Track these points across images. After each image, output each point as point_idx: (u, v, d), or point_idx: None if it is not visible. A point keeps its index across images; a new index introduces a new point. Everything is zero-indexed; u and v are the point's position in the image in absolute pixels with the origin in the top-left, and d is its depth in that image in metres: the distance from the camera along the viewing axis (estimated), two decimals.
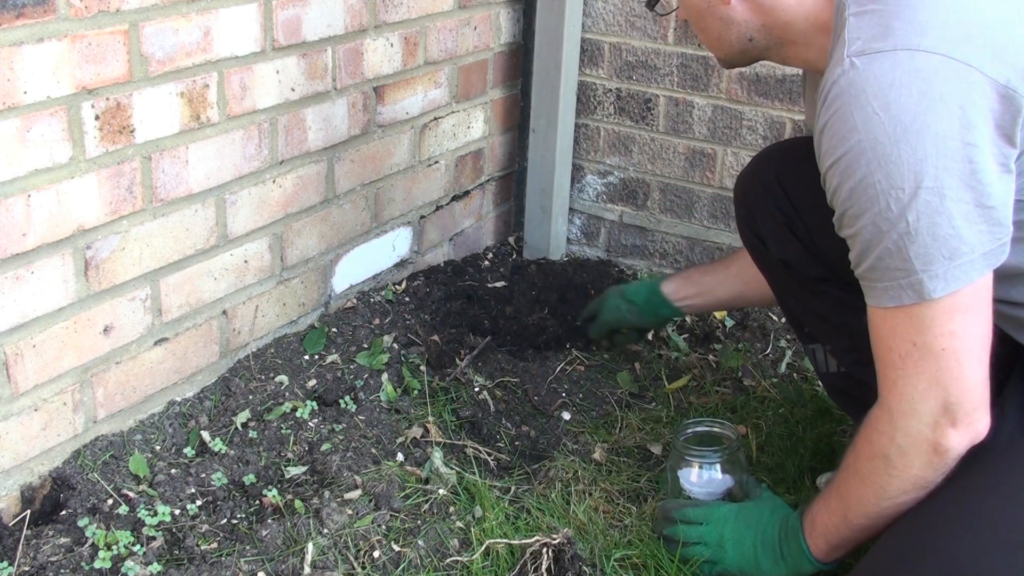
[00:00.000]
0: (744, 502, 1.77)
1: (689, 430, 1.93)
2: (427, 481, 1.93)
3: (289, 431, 2.02)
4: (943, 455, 1.41)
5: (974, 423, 1.40)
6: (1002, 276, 1.40)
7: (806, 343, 1.90)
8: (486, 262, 2.89)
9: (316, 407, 2.10)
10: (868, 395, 1.56)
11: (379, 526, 1.78)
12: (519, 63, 2.91)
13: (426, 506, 1.85)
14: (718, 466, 1.85)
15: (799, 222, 1.74)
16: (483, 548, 1.74)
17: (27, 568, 1.63)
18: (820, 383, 2.20)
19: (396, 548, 1.74)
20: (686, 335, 2.56)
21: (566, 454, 2.07)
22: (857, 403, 1.82)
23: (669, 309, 2.24)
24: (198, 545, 1.72)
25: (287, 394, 2.13)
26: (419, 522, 1.81)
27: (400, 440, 2.05)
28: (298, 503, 1.82)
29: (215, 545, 1.73)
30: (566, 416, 2.21)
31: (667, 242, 2.91)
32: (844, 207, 1.38)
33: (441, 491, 1.89)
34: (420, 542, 1.75)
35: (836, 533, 1.56)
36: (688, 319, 2.61)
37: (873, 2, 1.37)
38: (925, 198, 1.30)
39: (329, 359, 2.26)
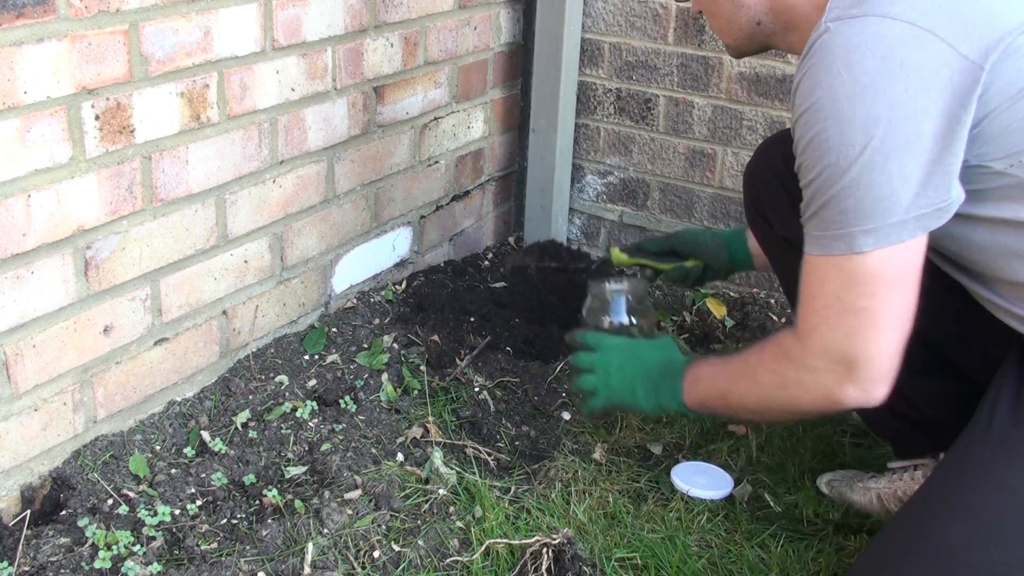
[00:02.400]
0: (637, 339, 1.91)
1: (606, 281, 2.09)
2: (427, 481, 1.93)
3: (289, 431, 2.02)
4: (833, 404, 1.52)
5: (872, 391, 1.48)
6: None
7: None
8: (486, 262, 2.89)
9: (316, 407, 2.10)
10: None
11: (379, 526, 1.78)
12: (519, 63, 2.91)
13: (426, 506, 1.85)
14: (622, 301, 1.98)
15: None
16: (483, 548, 1.74)
17: (27, 568, 1.63)
18: None
19: (396, 548, 1.74)
20: (686, 335, 2.56)
21: (566, 454, 2.07)
22: None
23: (745, 254, 2.22)
24: (198, 545, 1.72)
25: (287, 394, 2.13)
26: (419, 522, 1.81)
27: (400, 440, 2.05)
28: (298, 503, 1.82)
29: (215, 545, 1.73)
30: (566, 416, 2.21)
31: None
32: (802, 158, 1.45)
33: (441, 491, 1.89)
34: (420, 542, 1.75)
35: (711, 400, 1.72)
36: (688, 319, 2.62)
37: None
38: (870, 156, 1.36)
39: (329, 359, 2.26)
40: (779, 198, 1.82)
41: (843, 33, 1.38)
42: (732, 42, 1.71)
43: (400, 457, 2.00)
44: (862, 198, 1.38)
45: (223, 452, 1.95)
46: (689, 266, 2.24)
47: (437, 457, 1.98)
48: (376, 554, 1.71)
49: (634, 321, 2.00)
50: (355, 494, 1.85)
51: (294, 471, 1.93)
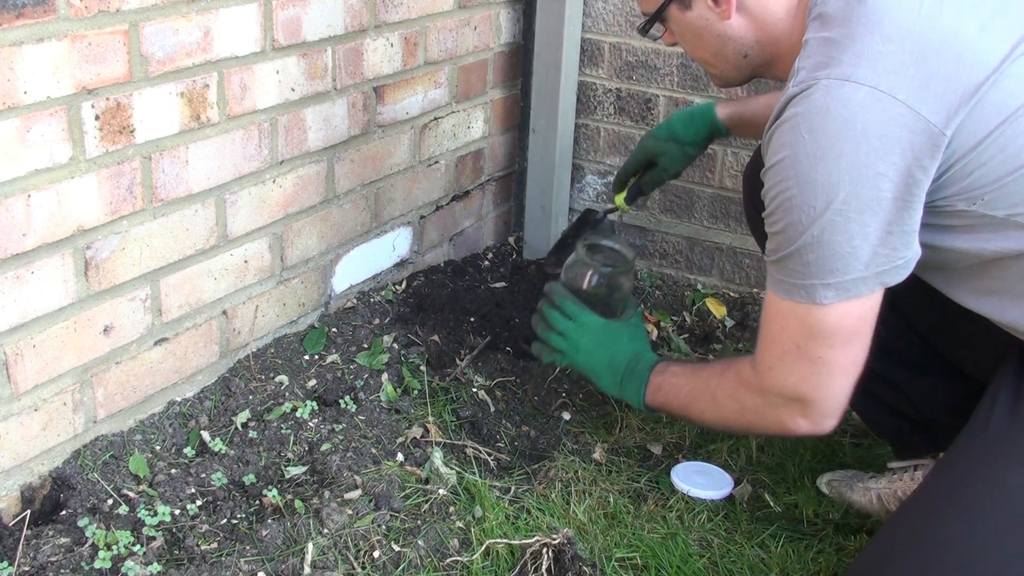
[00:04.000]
0: (612, 320, 1.95)
1: (596, 241, 2.10)
2: (427, 481, 1.93)
3: (289, 431, 2.02)
4: (786, 432, 1.64)
5: (822, 424, 1.59)
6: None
7: None
8: (486, 262, 2.89)
9: (316, 407, 2.10)
10: (870, 380, 1.63)
11: (379, 526, 1.78)
12: (519, 63, 2.91)
13: (426, 506, 1.85)
14: (607, 277, 2.01)
15: None
16: (483, 548, 1.74)
17: (27, 568, 1.63)
18: None
19: (396, 548, 1.74)
20: (686, 335, 2.56)
21: (566, 454, 2.07)
22: (859, 388, 1.85)
23: (716, 127, 2.16)
24: (198, 545, 1.72)
25: (287, 394, 2.13)
26: (419, 522, 1.81)
27: (400, 440, 2.05)
28: (298, 503, 1.82)
29: (215, 545, 1.73)
30: (566, 416, 2.21)
31: (667, 242, 2.91)
32: (768, 209, 1.50)
33: (441, 491, 1.89)
34: (420, 542, 1.75)
35: (671, 409, 1.84)
36: (688, 319, 2.62)
37: (829, 27, 1.45)
38: (831, 217, 1.41)
39: (329, 359, 2.26)
40: None
41: (808, 97, 1.42)
42: (719, 73, 1.75)
43: (400, 457, 2.00)
44: (823, 255, 1.44)
45: (223, 452, 1.95)
46: (664, 169, 2.21)
47: (437, 457, 1.98)
48: (376, 554, 1.71)
49: (610, 293, 2.04)
50: (355, 494, 1.85)
51: (294, 471, 1.93)
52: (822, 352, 1.51)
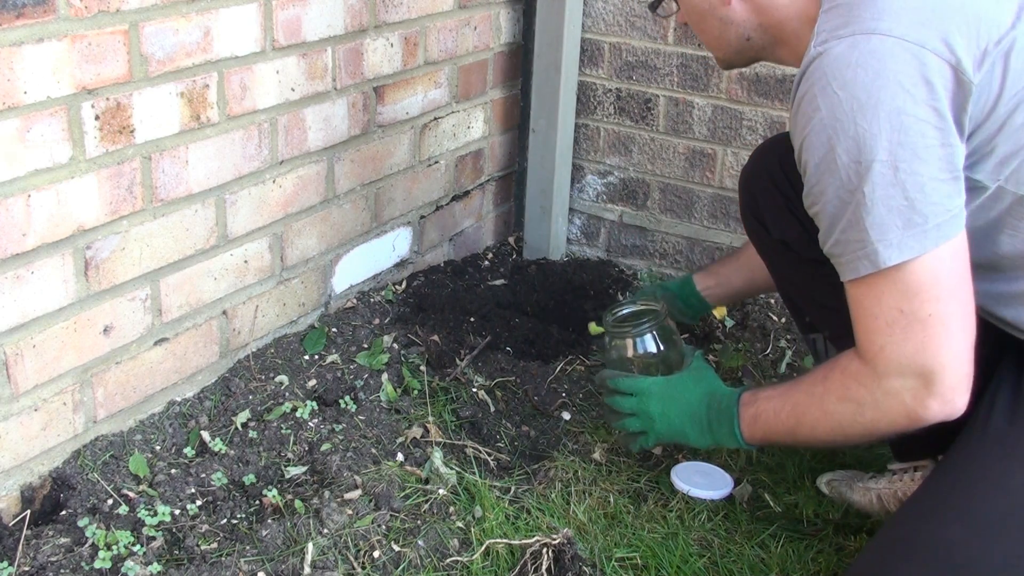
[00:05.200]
0: (671, 375, 1.87)
1: (618, 311, 2.02)
2: (427, 481, 1.93)
3: (289, 431, 2.02)
4: (915, 421, 1.47)
5: (953, 399, 1.43)
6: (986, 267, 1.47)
7: (806, 333, 1.95)
8: (486, 262, 2.89)
9: (316, 407, 2.10)
10: None
11: (379, 526, 1.78)
12: (519, 63, 2.91)
13: (426, 506, 1.85)
14: (648, 336, 1.93)
15: (799, 204, 1.76)
16: (483, 548, 1.74)
17: (27, 568, 1.63)
18: None
19: (396, 548, 1.74)
20: (686, 335, 2.56)
21: (566, 454, 2.07)
22: None
23: (697, 298, 2.26)
24: (198, 545, 1.72)
25: (287, 394, 2.13)
26: (419, 522, 1.81)
27: (400, 440, 2.05)
28: (298, 503, 1.82)
29: (215, 545, 1.73)
30: (566, 416, 2.21)
31: (667, 242, 2.91)
32: (811, 184, 1.45)
33: (441, 491, 1.89)
34: (420, 542, 1.75)
35: (775, 435, 1.68)
36: None
37: None
38: (879, 170, 1.36)
39: (329, 359, 2.26)
40: (775, 202, 1.82)
41: (834, 54, 1.39)
42: (722, 56, 1.74)
43: (400, 457, 2.00)
44: (880, 213, 1.38)
45: (223, 452, 1.95)
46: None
47: (437, 457, 1.98)
48: (376, 554, 1.71)
49: (661, 348, 1.94)
50: (355, 494, 1.85)
51: (294, 471, 1.93)
52: (931, 307, 1.40)
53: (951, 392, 1.43)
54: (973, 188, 1.44)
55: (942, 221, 1.39)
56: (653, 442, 1.86)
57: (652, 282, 2.28)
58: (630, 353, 1.94)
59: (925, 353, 1.42)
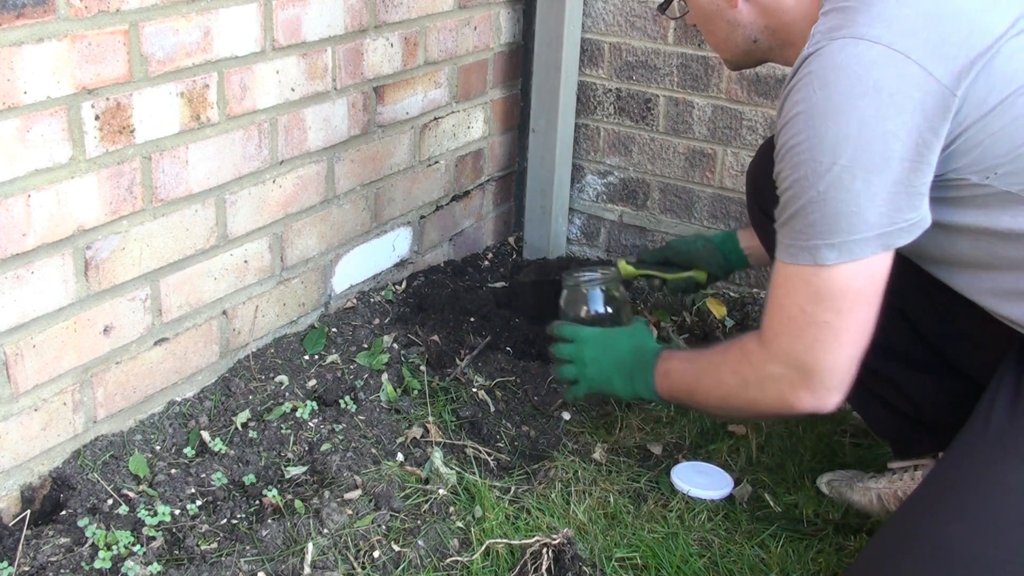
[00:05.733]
0: (610, 328, 1.97)
1: (579, 273, 2.16)
2: (427, 481, 1.93)
3: (289, 431, 2.02)
4: (787, 408, 1.58)
5: (826, 399, 1.54)
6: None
7: None
8: (486, 262, 2.89)
9: (316, 407, 2.10)
10: (870, 379, 1.62)
11: (379, 526, 1.78)
12: (519, 63, 2.91)
13: (426, 506, 1.85)
14: (597, 295, 2.10)
15: None
16: (483, 548, 1.74)
17: (27, 568, 1.63)
18: None
19: (396, 548, 1.74)
20: (686, 335, 2.56)
21: (566, 454, 2.07)
22: (860, 387, 1.86)
23: (738, 254, 2.25)
24: (198, 545, 1.72)
25: (287, 394, 2.13)
26: (419, 522, 1.81)
27: (400, 440, 2.05)
28: (298, 503, 1.82)
29: (215, 545, 1.73)
30: (566, 416, 2.21)
31: (667, 242, 2.91)
32: (778, 168, 1.50)
33: (441, 491, 1.89)
34: (420, 542, 1.75)
35: (679, 392, 1.80)
36: (688, 319, 2.61)
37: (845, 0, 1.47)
38: (838, 173, 1.40)
39: (329, 359, 2.26)
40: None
41: (823, 54, 1.43)
42: (729, 57, 1.76)
43: (400, 457, 2.00)
44: (828, 213, 1.43)
45: (223, 452, 1.95)
46: (693, 277, 2.27)
47: (437, 457, 1.98)
48: (376, 554, 1.71)
49: (609, 310, 2.10)
50: (355, 494, 1.85)
51: (294, 471, 1.93)
52: (828, 316, 1.48)
53: (824, 392, 1.53)
54: (963, 187, 1.45)
55: (887, 232, 1.43)
56: (585, 389, 1.92)
57: (693, 235, 2.30)
58: (581, 312, 2.09)
59: (810, 353, 1.51)
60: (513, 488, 1.95)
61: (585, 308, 2.09)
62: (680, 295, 2.52)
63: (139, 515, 1.76)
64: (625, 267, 2.29)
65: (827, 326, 1.49)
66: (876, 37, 1.39)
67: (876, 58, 1.39)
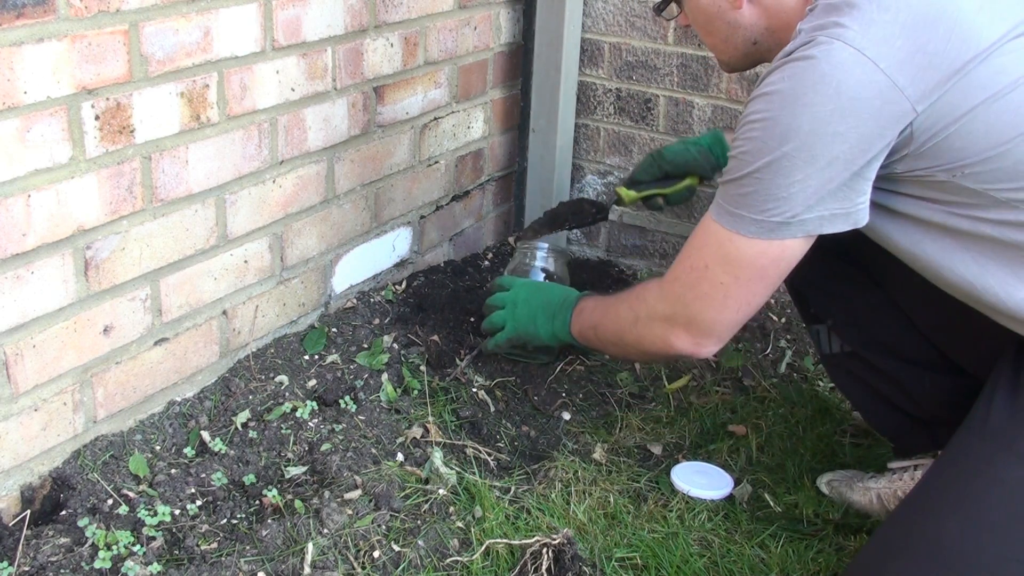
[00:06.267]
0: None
1: (529, 241, 2.41)
2: (427, 481, 1.93)
3: (289, 431, 2.02)
4: (665, 348, 1.72)
5: (700, 346, 1.68)
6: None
7: (810, 324, 1.96)
8: (486, 262, 2.89)
9: (316, 407, 2.10)
10: (870, 375, 1.63)
11: (379, 526, 1.78)
12: (519, 63, 2.91)
13: (426, 506, 1.85)
14: (541, 258, 2.38)
15: None
16: (483, 548, 1.74)
17: (27, 568, 1.63)
18: (824, 372, 2.21)
19: (396, 548, 1.74)
20: None
21: (566, 454, 2.07)
22: (860, 384, 1.87)
23: (726, 153, 2.23)
24: (198, 545, 1.72)
25: (287, 394, 2.13)
26: (419, 522, 1.81)
27: (400, 440, 2.05)
28: (298, 503, 1.82)
29: (215, 545, 1.73)
30: (566, 416, 2.21)
31: (667, 242, 2.91)
32: (736, 133, 1.56)
33: (441, 491, 1.89)
34: (420, 542, 1.75)
35: (586, 331, 1.93)
36: None
37: None
38: (779, 159, 1.47)
39: (329, 359, 2.26)
40: None
41: (797, 51, 1.47)
42: (727, 59, 1.77)
43: (400, 457, 2.00)
44: (760, 190, 1.49)
45: (223, 452, 1.95)
46: (690, 185, 2.29)
47: (437, 457, 1.98)
48: (376, 554, 1.71)
49: (553, 273, 2.33)
50: (355, 494, 1.85)
51: (294, 471, 1.93)
52: (726, 279, 1.58)
53: (703, 340, 1.67)
54: (928, 183, 1.48)
55: (810, 219, 1.49)
56: (509, 331, 2.06)
57: (680, 142, 2.32)
58: (525, 268, 2.35)
59: (697, 304, 1.64)
60: (513, 488, 1.95)
61: (528, 265, 2.37)
62: (683, 204, 2.49)
63: (139, 515, 1.76)
64: (627, 193, 2.30)
65: (721, 287, 1.59)
66: (850, 40, 1.42)
67: (844, 61, 1.41)
